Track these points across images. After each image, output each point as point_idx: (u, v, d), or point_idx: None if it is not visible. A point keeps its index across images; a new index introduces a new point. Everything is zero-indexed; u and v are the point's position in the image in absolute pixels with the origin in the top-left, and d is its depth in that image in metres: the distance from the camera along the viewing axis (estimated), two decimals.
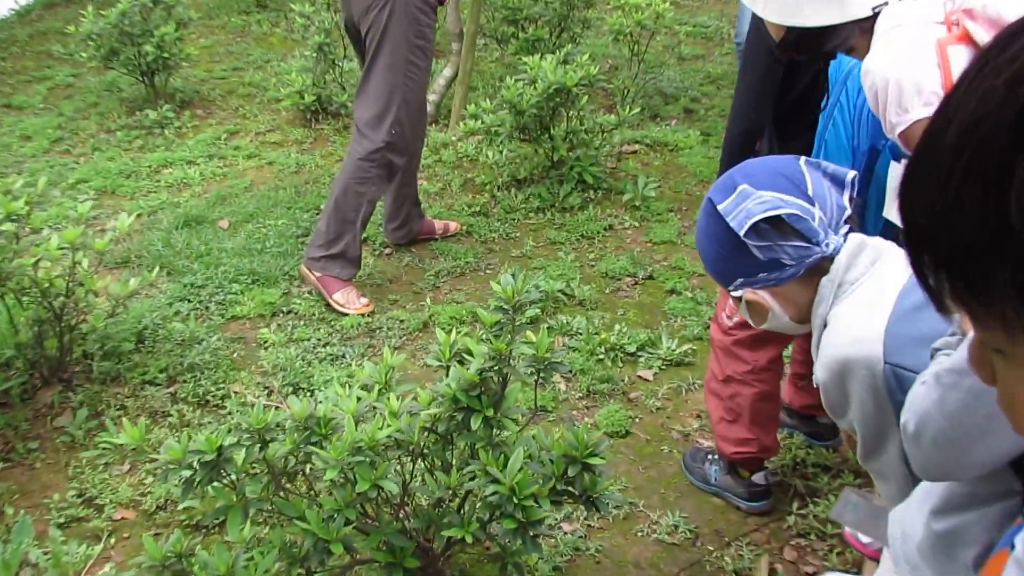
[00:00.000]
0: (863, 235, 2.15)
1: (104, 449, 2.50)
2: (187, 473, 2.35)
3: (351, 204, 4.85)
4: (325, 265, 4.91)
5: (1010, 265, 0.66)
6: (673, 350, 4.54)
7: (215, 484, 2.40)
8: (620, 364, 4.50)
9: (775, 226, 2.04)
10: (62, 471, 3.81)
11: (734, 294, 2.22)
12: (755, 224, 2.03)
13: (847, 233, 2.11)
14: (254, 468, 2.50)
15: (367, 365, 2.82)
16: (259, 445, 2.42)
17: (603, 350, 4.55)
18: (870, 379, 1.96)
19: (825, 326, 2.09)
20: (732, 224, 2.06)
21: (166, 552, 2.41)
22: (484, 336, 2.57)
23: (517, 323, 2.56)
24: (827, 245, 2.06)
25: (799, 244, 2.06)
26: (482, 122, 5.88)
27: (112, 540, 3.48)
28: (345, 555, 2.88)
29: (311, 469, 2.60)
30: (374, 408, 2.62)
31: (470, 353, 2.54)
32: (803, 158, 2.14)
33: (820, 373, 2.06)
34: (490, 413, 2.50)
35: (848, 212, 2.12)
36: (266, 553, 2.47)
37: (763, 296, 2.17)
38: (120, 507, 3.62)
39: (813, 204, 2.06)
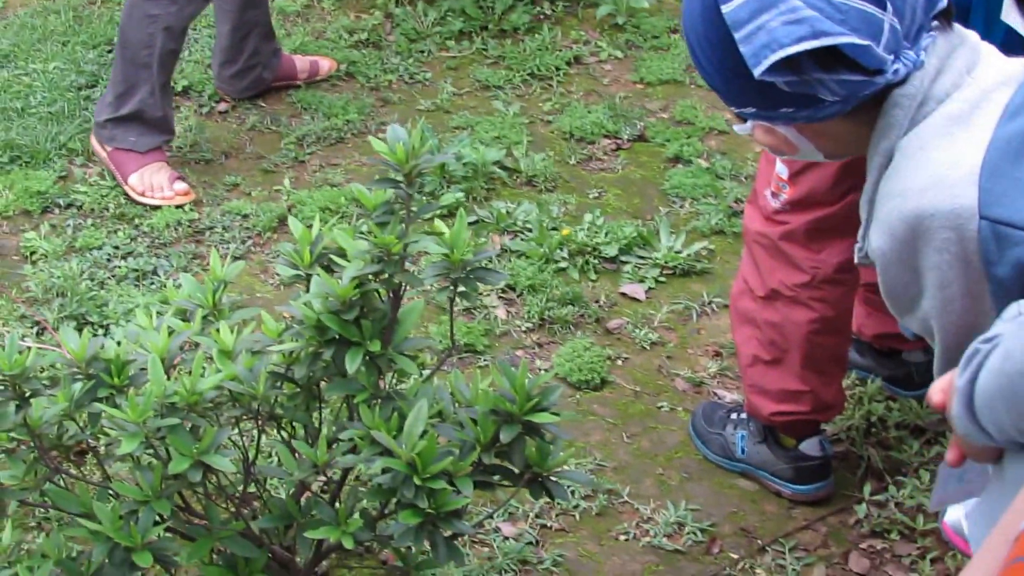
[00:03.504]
0: (960, 28, 2.22)
1: None
2: None
3: (139, 36, 4.84)
4: (114, 133, 4.95)
5: None
6: (677, 252, 4.62)
7: None
8: (593, 276, 4.58)
9: (815, 56, 2.10)
10: None
11: (740, 128, 2.30)
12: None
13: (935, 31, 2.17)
14: (11, 439, 2.57)
15: (186, 281, 2.88)
16: (16, 403, 2.49)
17: (566, 254, 4.62)
18: (956, 244, 2.01)
19: (889, 162, 2.16)
20: (743, 51, 2.11)
21: None
22: (365, 229, 2.63)
23: (418, 206, 2.62)
24: (895, 71, 2.13)
25: (850, 78, 2.12)
26: None
27: None
28: (159, 572, 2.97)
29: (101, 440, 2.67)
30: (196, 346, 2.69)
31: (343, 255, 2.60)
32: None
33: (878, 238, 2.11)
34: (375, 348, 2.57)
35: (942, 4, 2.17)
36: (36, 568, 2.55)
37: (785, 133, 2.25)
38: None
39: (884, 7, 2.10)
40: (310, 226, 2.74)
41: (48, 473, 2.62)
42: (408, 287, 2.65)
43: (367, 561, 3.34)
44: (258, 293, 4.51)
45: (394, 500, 2.57)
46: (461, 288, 2.66)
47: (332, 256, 2.66)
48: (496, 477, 2.72)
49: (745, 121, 2.32)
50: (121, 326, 4.18)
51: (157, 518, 2.52)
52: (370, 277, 2.58)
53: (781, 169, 3.30)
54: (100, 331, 4.22)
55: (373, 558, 3.28)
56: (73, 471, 2.74)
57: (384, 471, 2.50)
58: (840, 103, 2.14)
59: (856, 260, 2.31)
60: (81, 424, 2.61)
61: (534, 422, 2.61)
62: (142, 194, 4.90)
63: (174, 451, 2.43)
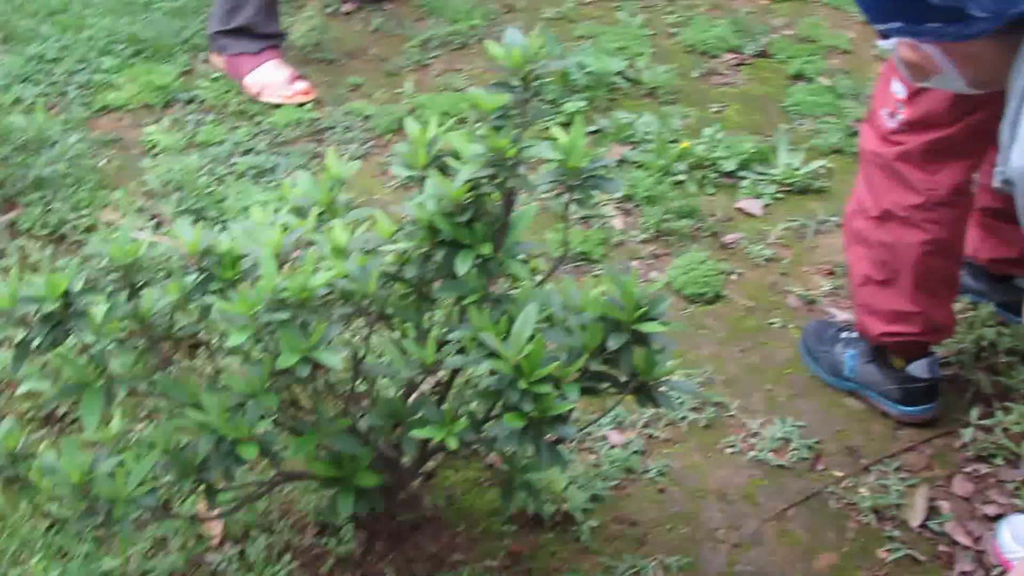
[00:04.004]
0: None
1: None
2: (19, 333, 2.44)
3: None
4: (225, 43, 4.98)
5: None
6: (795, 170, 4.58)
7: (61, 351, 2.49)
8: (711, 190, 4.56)
9: None
10: None
11: (884, 44, 2.25)
12: None
13: None
14: (122, 328, 2.59)
15: (302, 178, 2.88)
16: (128, 293, 2.50)
17: (684, 167, 4.60)
18: None
19: None
20: None
21: None
22: (481, 133, 2.62)
23: (534, 111, 2.60)
24: None
25: None
26: None
27: None
28: (265, 465, 3.00)
29: (210, 333, 2.69)
30: (310, 244, 2.69)
31: (459, 157, 2.59)
32: None
33: (1020, 158, 2.08)
34: (486, 251, 2.56)
35: None
36: (142, 456, 2.58)
37: (930, 53, 2.20)
38: None
39: None
40: (426, 127, 2.73)
41: (158, 364, 2.64)
42: (521, 192, 2.63)
43: (473, 463, 3.35)
44: (376, 194, 4.53)
45: (500, 403, 2.57)
46: (576, 195, 2.64)
47: (447, 158, 2.65)
48: (602, 384, 2.72)
49: (888, 37, 2.27)
50: (238, 222, 4.21)
51: (264, 412, 2.53)
52: (483, 180, 2.57)
53: (898, 89, 3.24)
54: (218, 226, 4.24)
55: (479, 460, 3.28)
56: (183, 363, 2.76)
57: (491, 373, 2.50)
58: (988, 20, 2.10)
59: (994, 184, 2.26)
60: (192, 317, 2.62)
61: (642, 331, 2.60)
62: (259, 94, 4.92)
63: (283, 346, 2.43)
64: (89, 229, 4.29)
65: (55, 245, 4.27)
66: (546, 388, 2.46)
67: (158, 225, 4.29)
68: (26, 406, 3.64)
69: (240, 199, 4.38)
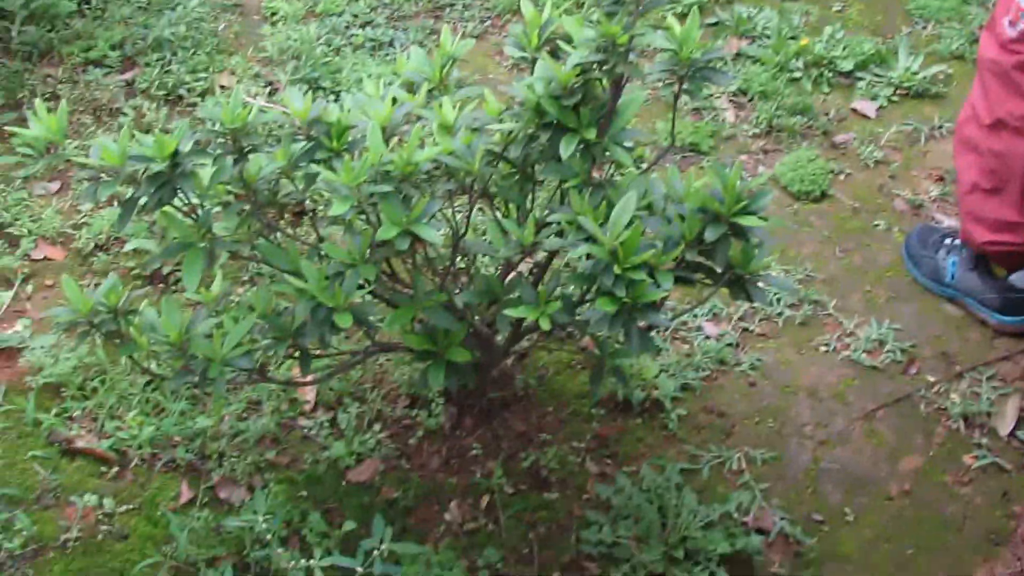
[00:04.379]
0: None
1: (24, 156, 2.62)
2: (127, 190, 2.47)
3: None
4: None
5: None
6: (914, 73, 4.53)
7: (168, 209, 2.52)
8: (826, 89, 4.52)
9: None
10: None
11: None
12: None
13: None
14: (228, 192, 2.63)
15: (415, 53, 2.89)
16: (234, 158, 2.53)
17: (801, 65, 4.56)
18: None
19: None
20: None
21: (95, 305, 2.57)
22: (595, 18, 2.61)
23: (648, 0, 2.58)
24: None
25: None
26: None
27: (29, 287, 3.72)
28: (360, 335, 3.04)
29: (315, 202, 2.71)
30: (418, 119, 2.70)
31: (570, 41, 2.58)
32: None
33: None
34: (591, 136, 2.56)
35: None
36: (241, 319, 2.62)
37: None
38: (43, 242, 3.84)
39: None
40: (541, 9, 2.72)
41: (261, 229, 2.67)
42: (632, 80, 2.62)
43: (567, 346, 3.37)
44: (491, 74, 4.52)
45: (594, 287, 2.57)
46: (687, 86, 2.63)
47: (559, 42, 2.64)
48: (697, 275, 2.72)
49: None
50: (351, 93, 4.22)
51: (362, 282, 2.56)
52: (593, 66, 2.56)
53: None
54: (331, 97, 4.27)
55: (573, 343, 3.30)
56: (287, 230, 2.78)
57: (587, 257, 2.50)
58: None
59: None
60: (297, 184, 2.64)
61: (740, 224, 2.59)
62: None
63: (384, 218, 2.45)
64: (205, 92, 4.33)
65: (170, 106, 4.32)
66: (640, 275, 2.45)
67: (272, 92, 4.32)
68: (132, 264, 3.70)
69: (356, 71, 4.39)
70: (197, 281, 2.53)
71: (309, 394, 3.36)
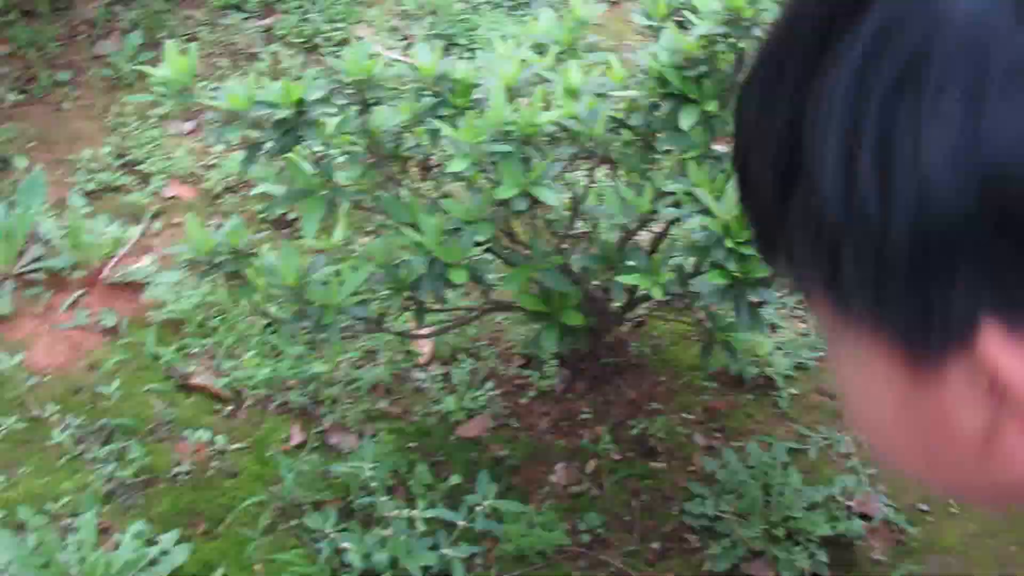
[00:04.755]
0: None
1: (160, 95, 2.69)
2: (252, 134, 2.52)
3: None
4: None
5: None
6: None
7: (292, 156, 2.56)
8: None
9: None
10: (98, 118, 4.14)
11: None
12: None
13: None
14: (353, 143, 2.66)
15: (544, 16, 2.90)
16: (359, 109, 2.56)
17: None
18: None
19: None
20: None
21: (217, 245, 2.62)
22: None
23: None
24: None
25: None
26: None
27: (157, 224, 3.82)
28: (475, 293, 3.06)
29: (437, 157, 2.74)
30: (544, 81, 2.71)
31: (696, 12, 2.58)
32: None
33: None
34: (712, 108, 2.56)
35: None
36: (358, 268, 2.65)
37: None
38: (174, 180, 3.94)
39: None
40: None
41: (383, 180, 2.71)
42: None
43: (684, 316, 3.36)
44: (626, 40, 4.52)
45: (707, 259, 2.57)
46: None
47: (687, 12, 2.64)
48: None
49: None
50: (486, 52, 4.26)
51: (480, 239, 2.58)
52: (718, 38, 2.55)
53: None
54: (466, 54, 4.29)
55: (690, 314, 3.30)
56: (412, 183, 2.81)
57: (701, 229, 2.50)
58: None
59: None
60: (423, 139, 2.66)
61: None
62: None
63: (504, 177, 2.47)
64: (341, 43, 4.38)
65: (307, 54, 4.38)
66: (751, 250, 2.45)
67: (408, 46, 4.35)
68: (257, 208, 3.76)
69: (492, 28, 4.41)
70: (315, 228, 2.57)
71: (424, 347, 3.40)
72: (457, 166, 2.43)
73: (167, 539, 2.91)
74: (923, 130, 0.59)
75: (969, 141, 0.58)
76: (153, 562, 2.86)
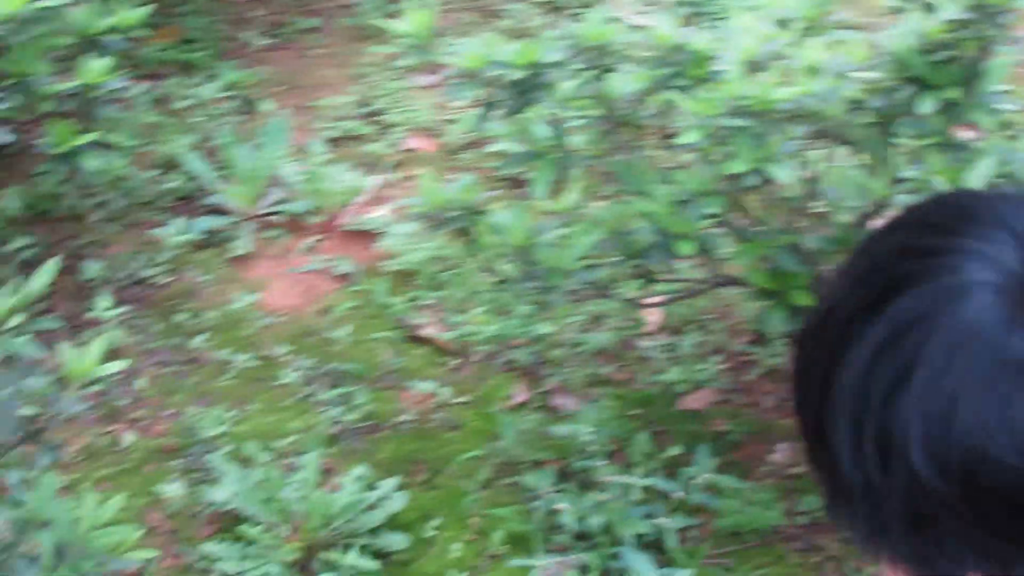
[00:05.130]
0: None
1: (404, 47, 2.77)
2: (487, 93, 2.55)
3: None
4: None
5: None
6: None
7: (527, 117, 2.59)
8: None
9: None
10: (344, 66, 4.24)
11: None
12: None
13: None
14: (587, 108, 2.67)
15: None
16: (595, 73, 2.57)
17: None
18: None
19: None
20: None
21: (449, 200, 2.66)
22: None
23: None
24: None
25: None
26: None
27: (395, 175, 3.89)
28: (707, 265, 3.05)
29: (671, 127, 2.74)
30: (783, 57, 2.68)
31: None
32: None
33: None
34: (953, 95, 2.50)
35: None
36: (588, 232, 2.67)
37: None
38: (415, 133, 4.01)
39: None
40: None
41: (616, 147, 2.71)
42: (1005, 43, 2.54)
43: None
44: (876, 18, 4.43)
45: None
46: None
47: None
48: None
49: None
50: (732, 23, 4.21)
51: (708, 212, 2.57)
52: (964, 24, 2.49)
53: None
54: (715, 23, 4.24)
55: None
56: (648, 151, 2.82)
57: None
58: None
59: None
60: (658, 108, 2.66)
61: None
62: None
63: (737, 152, 2.46)
64: (587, 5, 4.36)
65: (552, 15, 4.39)
66: None
67: (654, 13, 4.33)
68: (493, 165, 3.80)
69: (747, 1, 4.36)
70: (545, 189, 2.60)
71: (652, 316, 3.39)
72: (689, 138, 2.43)
73: (387, 485, 2.98)
74: (910, 428, 0.77)
75: (944, 435, 0.76)
76: (372, 506, 2.92)
